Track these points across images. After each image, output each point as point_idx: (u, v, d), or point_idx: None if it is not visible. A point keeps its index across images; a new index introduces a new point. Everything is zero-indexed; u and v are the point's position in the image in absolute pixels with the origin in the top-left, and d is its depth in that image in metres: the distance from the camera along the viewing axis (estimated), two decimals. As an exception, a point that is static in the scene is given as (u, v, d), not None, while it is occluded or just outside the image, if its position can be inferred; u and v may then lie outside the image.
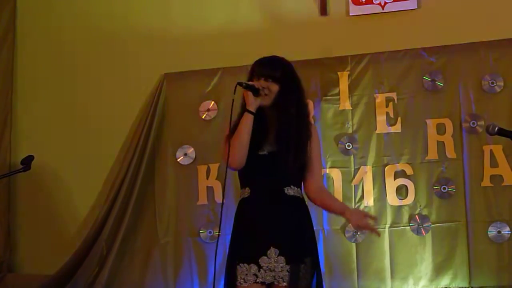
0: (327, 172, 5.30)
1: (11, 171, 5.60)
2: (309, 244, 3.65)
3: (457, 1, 5.33)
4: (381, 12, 5.42)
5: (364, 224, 3.64)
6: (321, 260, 3.72)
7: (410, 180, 5.21)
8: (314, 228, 3.75)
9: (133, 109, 5.70)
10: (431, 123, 5.21)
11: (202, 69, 5.61)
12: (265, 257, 3.55)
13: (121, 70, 5.79)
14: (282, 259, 3.55)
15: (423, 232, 5.16)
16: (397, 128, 5.27)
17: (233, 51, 5.46)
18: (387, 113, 5.30)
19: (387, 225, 5.21)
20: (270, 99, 3.66)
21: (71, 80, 5.90)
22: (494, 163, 5.11)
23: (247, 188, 3.68)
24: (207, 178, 5.50)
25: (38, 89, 5.96)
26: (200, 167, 5.52)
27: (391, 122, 5.29)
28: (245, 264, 3.56)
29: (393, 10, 5.39)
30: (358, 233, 5.21)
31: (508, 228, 5.05)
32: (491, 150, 5.11)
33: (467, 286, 5.06)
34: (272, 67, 3.70)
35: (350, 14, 5.46)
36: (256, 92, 3.62)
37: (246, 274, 3.55)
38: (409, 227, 5.19)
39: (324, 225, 5.26)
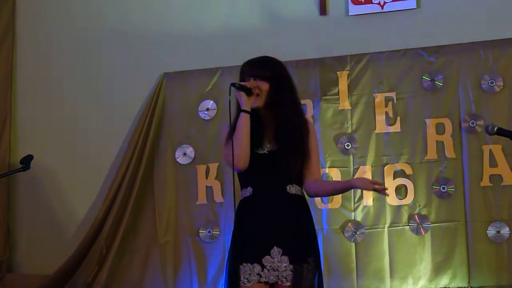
0: (327, 171, 5.30)
1: (10, 170, 5.60)
2: (312, 243, 3.64)
3: (456, 1, 5.33)
4: (381, 12, 5.42)
5: (371, 185, 3.58)
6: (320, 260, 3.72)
7: (410, 179, 5.21)
8: (314, 228, 3.76)
9: (133, 109, 5.70)
10: (430, 123, 5.21)
11: (202, 68, 5.61)
12: (269, 256, 3.54)
13: (120, 69, 5.79)
14: (285, 258, 3.54)
15: (423, 232, 5.16)
16: (396, 127, 5.27)
17: (232, 51, 5.46)
18: (387, 113, 5.30)
19: (386, 225, 5.21)
20: (262, 100, 3.67)
21: (71, 80, 5.89)
22: (493, 163, 5.11)
23: (248, 188, 3.67)
24: (206, 178, 5.50)
25: (38, 89, 5.95)
26: (199, 166, 5.52)
27: (390, 121, 5.29)
28: (248, 264, 3.55)
29: (393, 9, 5.39)
30: (358, 232, 5.21)
31: (507, 228, 5.05)
32: (490, 150, 5.11)
33: (466, 285, 5.06)
34: (260, 67, 3.70)
35: (350, 14, 5.46)
36: (248, 92, 3.64)
37: (250, 274, 3.54)
38: (408, 226, 5.19)
39: (324, 224, 5.26)
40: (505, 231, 5.05)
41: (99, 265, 5.51)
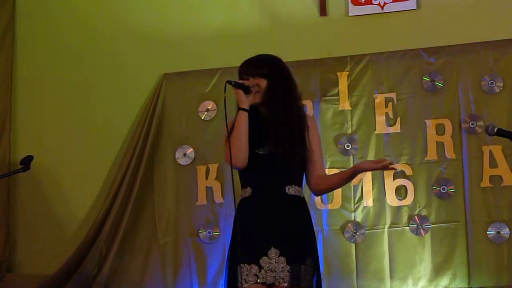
0: (327, 172, 5.29)
1: (10, 171, 5.60)
2: (310, 244, 3.63)
3: (456, 1, 5.33)
4: (381, 13, 5.42)
5: (377, 164, 3.57)
6: (320, 260, 3.72)
7: (410, 180, 5.22)
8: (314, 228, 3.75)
9: (133, 109, 5.70)
10: (430, 124, 5.21)
11: (202, 69, 5.61)
12: (266, 257, 3.54)
13: (120, 70, 5.79)
14: (282, 259, 3.54)
15: (422, 233, 5.16)
16: (396, 128, 5.28)
17: (232, 52, 5.44)
18: (387, 114, 5.30)
19: (386, 226, 5.22)
20: (260, 96, 3.66)
21: (71, 80, 5.90)
22: (493, 164, 5.11)
23: (248, 188, 3.67)
24: (206, 179, 5.50)
25: (38, 89, 5.95)
26: (199, 167, 5.52)
27: (390, 122, 5.29)
28: (246, 264, 3.55)
29: (393, 10, 5.39)
30: (358, 233, 5.22)
31: (507, 229, 5.05)
32: (490, 151, 5.11)
33: (466, 286, 5.06)
34: (256, 65, 3.70)
35: (350, 15, 5.47)
36: (246, 89, 3.63)
37: (247, 275, 3.54)
38: (408, 227, 5.19)
39: (323, 225, 5.27)
40: (505, 232, 5.05)
41: (99, 265, 5.51)
